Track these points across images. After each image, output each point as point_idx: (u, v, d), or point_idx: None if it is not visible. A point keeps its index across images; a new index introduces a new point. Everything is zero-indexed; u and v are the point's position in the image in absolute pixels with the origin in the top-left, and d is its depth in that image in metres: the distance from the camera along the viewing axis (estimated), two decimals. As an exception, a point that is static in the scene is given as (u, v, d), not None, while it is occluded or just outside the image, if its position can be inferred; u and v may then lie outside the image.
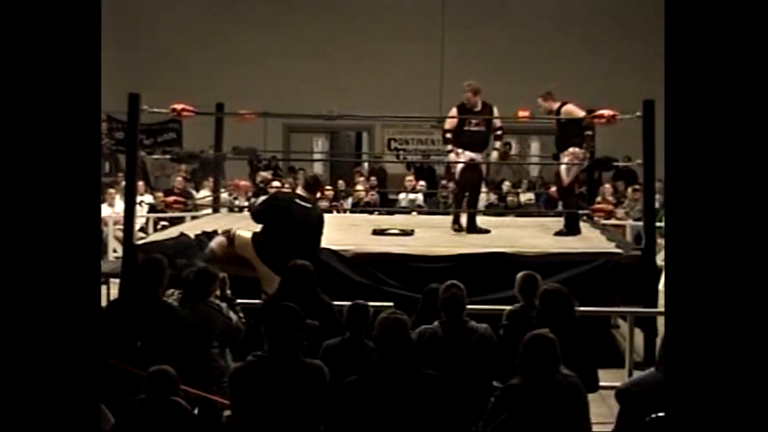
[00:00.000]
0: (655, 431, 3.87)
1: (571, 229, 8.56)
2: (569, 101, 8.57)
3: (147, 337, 4.86)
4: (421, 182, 13.87)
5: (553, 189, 10.21)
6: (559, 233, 8.50)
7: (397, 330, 4.03)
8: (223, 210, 10.72)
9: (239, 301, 5.73)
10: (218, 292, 5.43)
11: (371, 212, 11.93)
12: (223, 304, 5.32)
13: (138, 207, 9.15)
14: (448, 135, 8.74)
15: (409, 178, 13.55)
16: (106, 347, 4.94)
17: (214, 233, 7.35)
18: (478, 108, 8.64)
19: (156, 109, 8.16)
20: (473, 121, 8.64)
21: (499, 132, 8.85)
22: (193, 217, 10.61)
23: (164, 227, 10.63)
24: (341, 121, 15.43)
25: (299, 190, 7.35)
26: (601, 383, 4.96)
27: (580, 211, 9.23)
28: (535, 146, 17.23)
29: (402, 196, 13.04)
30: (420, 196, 12.99)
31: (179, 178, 13.30)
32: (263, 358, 4.02)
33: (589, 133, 8.48)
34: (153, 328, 4.87)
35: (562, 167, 8.54)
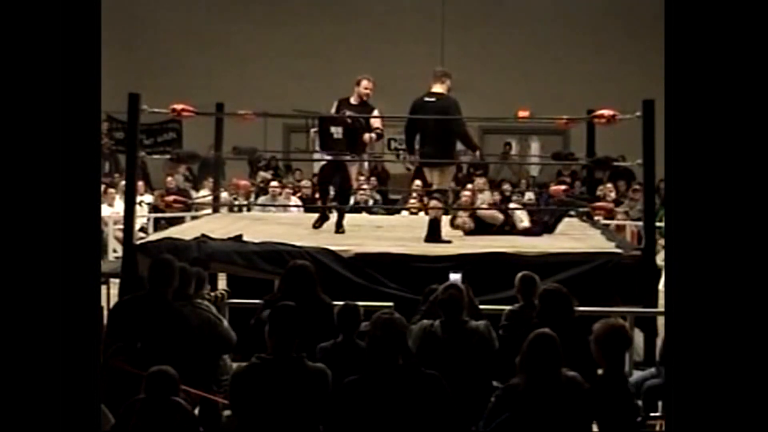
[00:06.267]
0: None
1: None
2: None
3: (156, 337, 4.88)
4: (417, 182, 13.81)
5: (554, 188, 10.23)
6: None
7: (393, 329, 4.01)
8: (223, 210, 10.71)
9: (239, 301, 5.73)
10: (208, 294, 5.43)
11: (371, 212, 11.92)
12: (213, 308, 5.32)
13: (138, 207, 9.13)
14: None
15: (418, 183, 13.52)
16: (114, 348, 4.96)
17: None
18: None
19: (156, 109, 8.14)
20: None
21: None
22: (193, 217, 10.61)
23: (164, 227, 10.63)
24: (341, 121, 15.37)
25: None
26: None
27: (580, 209, 9.29)
28: (535, 146, 17.20)
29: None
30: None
31: (169, 178, 13.28)
32: (266, 360, 4.01)
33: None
34: (162, 329, 4.89)
35: None
